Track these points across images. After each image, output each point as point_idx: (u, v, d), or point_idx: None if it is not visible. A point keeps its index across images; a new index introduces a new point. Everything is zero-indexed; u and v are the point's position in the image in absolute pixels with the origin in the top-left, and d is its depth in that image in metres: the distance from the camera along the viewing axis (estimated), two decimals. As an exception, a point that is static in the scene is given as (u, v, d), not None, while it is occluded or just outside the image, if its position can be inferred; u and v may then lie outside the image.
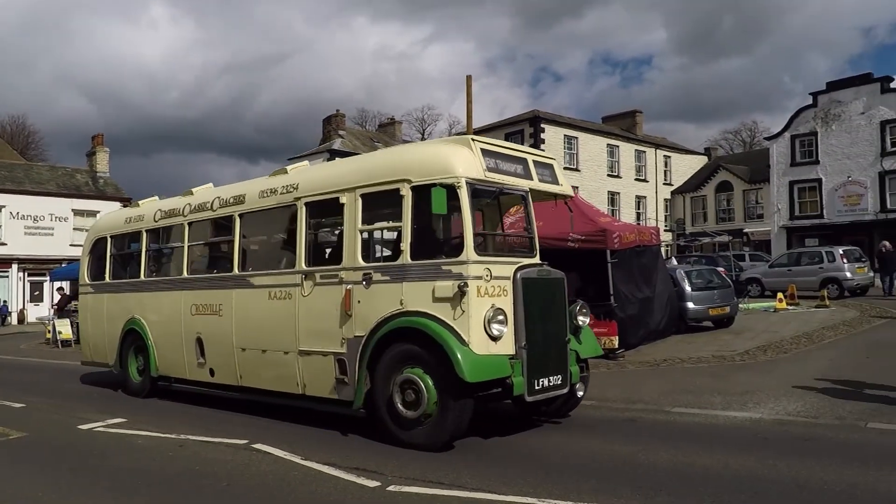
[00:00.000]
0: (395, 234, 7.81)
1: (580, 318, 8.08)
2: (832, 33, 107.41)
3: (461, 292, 6.86)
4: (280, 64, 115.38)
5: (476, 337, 6.88)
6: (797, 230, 41.30)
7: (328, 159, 36.79)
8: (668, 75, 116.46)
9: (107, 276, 11.78)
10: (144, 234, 11.00)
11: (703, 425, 7.99)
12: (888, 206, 38.01)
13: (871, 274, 26.80)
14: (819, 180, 40.34)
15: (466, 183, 7.05)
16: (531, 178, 7.85)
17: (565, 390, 7.71)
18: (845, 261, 25.58)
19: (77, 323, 24.77)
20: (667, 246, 48.25)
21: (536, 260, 7.75)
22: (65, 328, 23.73)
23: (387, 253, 8.44)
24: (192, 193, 10.57)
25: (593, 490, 5.59)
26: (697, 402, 9.07)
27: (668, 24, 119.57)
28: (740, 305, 19.72)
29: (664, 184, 52.56)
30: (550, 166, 8.33)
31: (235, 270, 9.24)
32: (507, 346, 7.12)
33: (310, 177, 8.57)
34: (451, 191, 6.98)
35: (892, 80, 38.70)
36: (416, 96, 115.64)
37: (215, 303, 9.48)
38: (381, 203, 7.81)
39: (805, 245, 37.48)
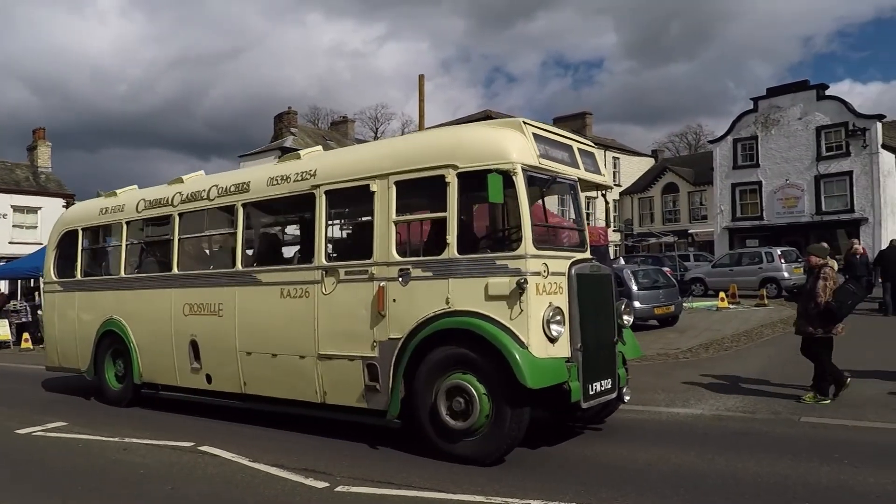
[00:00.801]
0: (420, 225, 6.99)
1: (625, 317, 7.43)
2: (773, 42, 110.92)
3: (519, 289, 6.09)
4: (232, 59, 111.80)
5: (535, 339, 6.13)
6: (739, 231, 41.94)
7: (279, 157, 35.34)
8: (618, 78, 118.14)
9: (78, 272, 10.49)
10: (124, 227, 9.79)
11: (646, 422, 8.02)
12: (823, 208, 38.94)
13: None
14: (759, 183, 41.03)
15: (522, 169, 6.30)
16: (578, 167, 7.14)
17: (614, 395, 7.03)
18: (783, 261, 26.34)
19: (17, 324, 23.51)
20: (615, 246, 48.54)
21: (588, 255, 7.05)
22: (2, 329, 22.43)
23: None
24: (181, 181, 9.45)
25: (536, 489, 5.53)
26: (641, 399, 8.97)
27: (619, 29, 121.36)
28: (684, 304, 20.07)
29: (613, 185, 52.90)
30: (592, 155, 7.64)
31: (238, 266, 8.22)
32: (563, 349, 6.40)
33: (330, 162, 7.63)
34: (506, 178, 6.21)
35: (827, 87, 39.66)
36: (370, 95, 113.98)
37: (214, 302, 8.43)
38: (418, 191, 6.97)
39: (746, 246, 38.09)
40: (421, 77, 20.41)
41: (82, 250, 10.48)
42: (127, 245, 9.78)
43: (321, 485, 5.78)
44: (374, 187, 6.97)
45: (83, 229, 10.50)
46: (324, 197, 7.41)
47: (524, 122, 6.57)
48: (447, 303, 6.41)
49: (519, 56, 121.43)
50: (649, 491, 5.45)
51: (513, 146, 6.36)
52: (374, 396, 6.93)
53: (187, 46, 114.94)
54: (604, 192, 7.95)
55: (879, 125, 37.03)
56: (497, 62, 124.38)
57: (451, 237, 6.45)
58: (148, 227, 9.61)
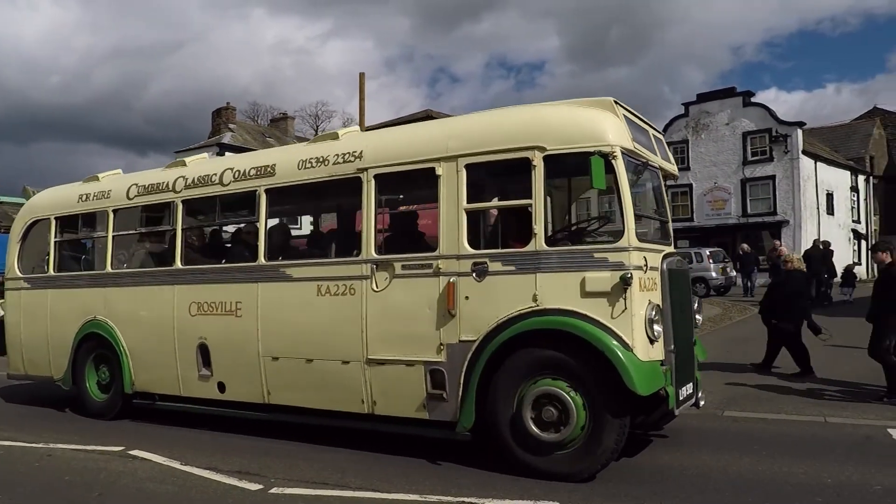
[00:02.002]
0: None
1: (697, 316, 6.82)
2: (706, 49, 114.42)
3: (623, 285, 5.35)
4: (173, 52, 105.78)
5: (639, 340, 5.40)
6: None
7: (218, 154, 33.61)
8: (560, 81, 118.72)
9: (50, 267, 9.04)
10: (111, 216, 8.46)
11: None
12: (748, 211, 40.03)
13: (734, 274, 28.36)
14: (690, 185, 41.84)
15: (621, 153, 5.58)
16: (655, 153, 6.47)
17: (693, 401, 6.41)
18: (711, 261, 26.99)
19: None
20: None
21: (673, 248, 6.39)
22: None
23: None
24: (184, 164, 8.21)
25: (473, 485, 5.51)
26: None
27: (561, 33, 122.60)
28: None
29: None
30: (663, 141, 6.98)
31: (262, 260, 7.11)
32: (659, 351, 5.70)
33: (380, 143, 6.65)
34: (605, 162, 5.47)
35: (753, 94, 40.84)
36: (314, 92, 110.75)
37: (230, 300, 7.29)
38: (493, 176, 6.13)
39: (677, 246, 38.77)
40: (362, 75, 19.99)
41: (56, 242, 9.05)
42: (114, 236, 8.46)
43: (255, 487, 5.59)
44: (439, 171, 6.08)
45: (57, 218, 9.05)
46: (373, 182, 6.44)
47: (616, 103, 5.84)
48: (534, 300, 5.60)
49: (463, 57, 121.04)
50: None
51: (609, 127, 5.61)
52: (437, 406, 6.04)
53: (125, 37, 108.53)
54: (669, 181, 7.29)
55: (800, 132, 38.35)
56: (441, 62, 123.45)
57: (539, 227, 5.65)
58: (142, 216, 8.31)
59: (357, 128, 7.23)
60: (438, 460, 6.17)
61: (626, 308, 5.35)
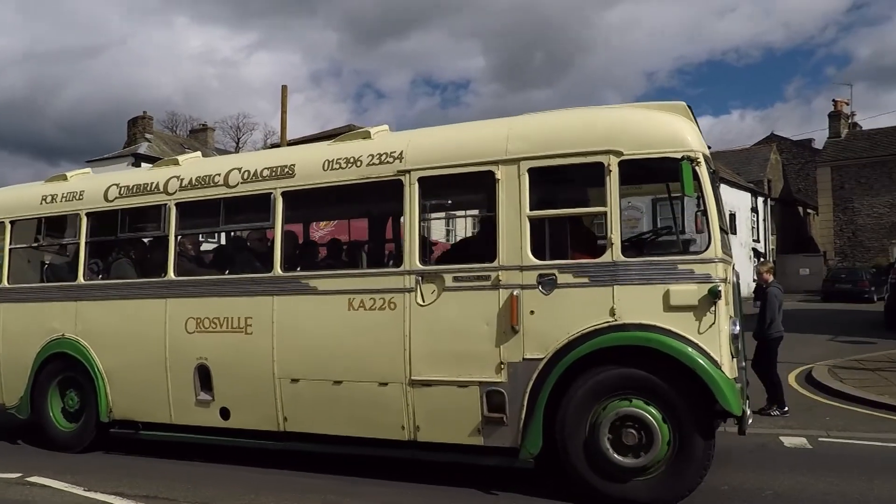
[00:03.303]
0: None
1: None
2: (623, 75, 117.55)
3: (712, 299, 4.98)
4: (90, 58, 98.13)
5: (725, 357, 5.03)
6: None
7: (133, 164, 31.47)
8: (484, 100, 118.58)
9: (3, 277, 7.82)
10: (83, 220, 7.37)
11: None
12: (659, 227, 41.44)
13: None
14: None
15: (704, 159, 5.25)
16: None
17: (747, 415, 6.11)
18: None
19: None
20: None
21: (732, 260, 6.10)
22: None
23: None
24: (177, 163, 7.25)
25: None
26: None
27: (487, 53, 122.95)
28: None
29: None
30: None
31: (278, 270, 6.31)
32: (735, 368, 5.38)
33: (425, 143, 6.01)
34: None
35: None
36: (238, 104, 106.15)
37: (238, 315, 6.41)
38: (560, 181, 5.64)
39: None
40: (284, 88, 19.81)
41: (11, 250, 7.82)
42: (88, 243, 7.38)
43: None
44: (498, 174, 5.54)
45: (13, 222, 7.79)
46: (416, 185, 5.81)
47: (688, 107, 5.51)
48: (612, 314, 5.12)
49: (390, 73, 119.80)
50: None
51: (690, 132, 5.26)
52: (495, 431, 5.45)
53: (36, 40, 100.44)
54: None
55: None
56: (368, 78, 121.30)
57: (616, 236, 5.19)
58: (124, 221, 7.26)
59: (385, 127, 6.55)
60: (494, 489, 5.59)
61: (714, 323, 4.97)
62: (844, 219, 40.44)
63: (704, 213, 5.11)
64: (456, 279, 5.60)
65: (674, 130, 5.22)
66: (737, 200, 42.35)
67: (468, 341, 5.50)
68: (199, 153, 7.69)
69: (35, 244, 7.97)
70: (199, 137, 42.20)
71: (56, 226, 7.74)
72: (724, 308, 5.07)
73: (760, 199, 44.60)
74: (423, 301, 5.67)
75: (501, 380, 5.39)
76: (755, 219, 44.77)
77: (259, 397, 6.30)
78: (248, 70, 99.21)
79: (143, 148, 36.75)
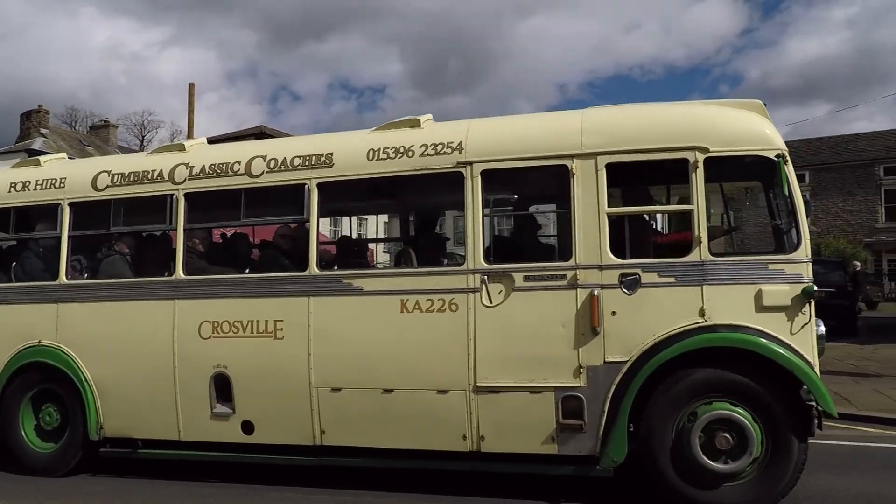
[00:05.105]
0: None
1: None
2: (536, 86, 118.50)
3: (804, 299, 4.84)
4: None
5: (815, 357, 4.92)
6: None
7: (22, 161, 28.51)
8: (400, 105, 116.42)
9: (-40, 277, 6.61)
10: (66, 210, 6.35)
11: None
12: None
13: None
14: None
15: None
16: None
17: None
18: None
19: None
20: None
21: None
22: None
23: None
24: (182, 149, 6.36)
25: None
26: None
27: (404, 59, 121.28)
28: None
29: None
30: None
31: (313, 268, 5.65)
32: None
33: (488, 134, 5.50)
34: (773, 167, 4.97)
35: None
36: (147, 102, 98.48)
37: (265, 318, 5.67)
38: (637, 176, 5.34)
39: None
40: (191, 86, 19.25)
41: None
42: (71, 237, 6.37)
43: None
44: (573, 169, 5.19)
45: (-28, 213, 6.66)
46: (479, 178, 5.35)
47: (764, 105, 5.37)
48: (702, 315, 4.87)
49: (306, 76, 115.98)
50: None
51: (773, 130, 5.13)
52: (571, 438, 5.06)
53: None
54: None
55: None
56: (284, 80, 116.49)
57: (703, 234, 4.96)
58: (118, 212, 6.30)
59: (429, 116, 6.02)
60: (563, 501, 5.22)
61: (807, 323, 4.82)
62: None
63: (794, 212, 4.96)
64: (527, 278, 5.18)
65: (763, 129, 5.04)
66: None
67: (542, 344, 5.10)
68: (204, 139, 6.83)
69: (2, 239, 6.82)
70: (100, 134, 39.25)
71: (29, 216, 6.64)
72: (811, 309, 4.94)
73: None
74: (491, 302, 5.21)
75: (580, 384, 5.02)
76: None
77: (291, 409, 5.60)
78: (158, 66, 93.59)
79: (37, 143, 33.67)
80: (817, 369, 4.83)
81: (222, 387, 5.76)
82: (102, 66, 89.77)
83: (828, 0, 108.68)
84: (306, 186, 5.70)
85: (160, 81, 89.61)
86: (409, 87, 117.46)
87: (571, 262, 5.11)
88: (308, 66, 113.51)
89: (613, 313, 4.99)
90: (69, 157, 8.10)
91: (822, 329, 5.01)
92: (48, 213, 6.46)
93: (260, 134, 40.97)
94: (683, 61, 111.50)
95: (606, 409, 4.95)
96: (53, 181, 6.45)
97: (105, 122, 40.71)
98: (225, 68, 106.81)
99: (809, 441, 4.86)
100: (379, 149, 5.62)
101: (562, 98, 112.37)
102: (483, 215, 5.36)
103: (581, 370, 5.01)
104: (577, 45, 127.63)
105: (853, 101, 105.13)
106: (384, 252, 12.12)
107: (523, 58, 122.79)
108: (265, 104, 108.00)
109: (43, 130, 35.68)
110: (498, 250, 5.41)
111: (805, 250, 4.90)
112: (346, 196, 6.20)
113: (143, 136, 49.16)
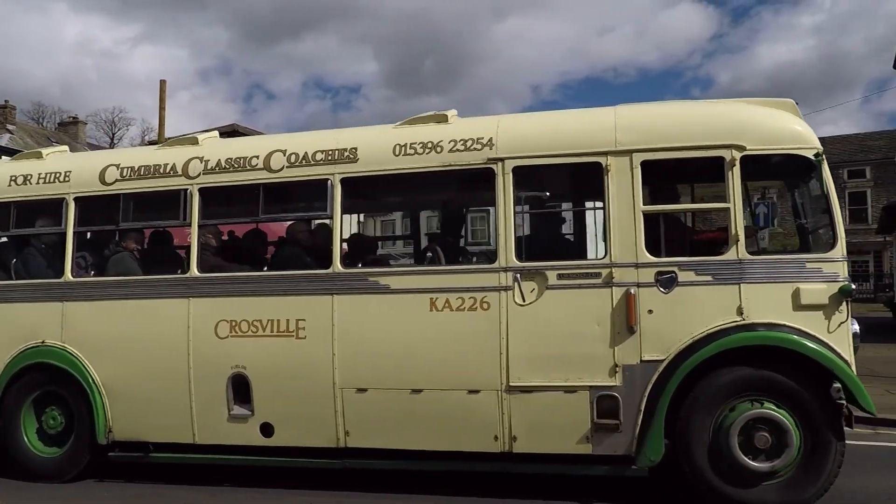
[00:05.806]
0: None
1: None
2: (510, 86, 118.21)
3: (842, 297, 4.81)
4: None
5: (852, 356, 4.91)
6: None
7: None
8: (375, 105, 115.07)
9: (-46, 274, 6.26)
10: (72, 205, 6.05)
11: None
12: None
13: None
14: (487, 211, 43.56)
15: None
16: None
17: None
18: None
19: None
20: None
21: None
22: None
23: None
24: (195, 142, 6.10)
25: None
26: None
27: (379, 59, 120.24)
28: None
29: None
30: None
31: (337, 266, 5.46)
32: None
33: (520, 130, 5.37)
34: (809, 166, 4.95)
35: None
36: (118, 99, 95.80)
37: (287, 317, 5.46)
38: (671, 174, 5.27)
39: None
40: (162, 83, 19.09)
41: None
42: (76, 233, 6.08)
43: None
44: (608, 166, 5.10)
45: (-30, 208, 6.30)
46: (510, 175, 5.23)
47: (796, 105, 5.35)
48: (740, 313, 4.82)
49: (281, 75, 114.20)
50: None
51: (808, 129, 5.11)
52: (606, 438, 4.97)
53: None
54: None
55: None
56: (258, 79, 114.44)
57: (740, 232, 4.92)
58: (128, 208, 6.01)
59: (454, 111, 5.87)
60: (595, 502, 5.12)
61: (844, 321, 4.80)
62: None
63: (829, 210, 4.95)
64: (561, 276, 5.07)
65: (800, 128, 5.01)
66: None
67: (576, 343, 5.00)
68: (215, 133, 6.57)
69: (2, 235, 6.49)
70: (68, 131, 38.13)
71: (31, 211, 6.31)
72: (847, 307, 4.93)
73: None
74: (524, 300, 5.09)
75: (615, 383, 4.93)
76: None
77: (313, 410, 5.41)
78: (130, 63, 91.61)
79: (4, 140, 32.66)
80: (854, 368, 4.81)
81: (240, 388, 5.55)
82: (73, 63, 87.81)
83: (796, 7, 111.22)
84: (329, 182, 5.52)
85: (132, 79, 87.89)
86: (384, 86, 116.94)
87: (606, 261, 5.02)
88: (283, 65, 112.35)
89: (650, 312, 4.91)
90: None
91: (857, 328, 5.00)
92: (52, 207, 6.14)
93: (233, 132, 40.47)
94: (656, 64, 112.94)
95: (643, 408, 4.87)
96: (58, 175, 6.15)
97: (74, 118, 39.65)
98: (198, 66, 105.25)
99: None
100: (406, 144, 5.46)
101: (536, 99, 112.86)
102: (514, 212, 5.23)
103: (617, 369, 4.92)
104: (552, 48, 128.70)
105: (819, 106, 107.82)
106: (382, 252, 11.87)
107: (498, 59, 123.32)
108: (239, 103, 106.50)
109: (9, 126, 34.56)
110: (529, 248, 5.27)
111: (841, 249, 4.87)
112: (371, 192, 6.03)
113: (113, 134, 47.99)
